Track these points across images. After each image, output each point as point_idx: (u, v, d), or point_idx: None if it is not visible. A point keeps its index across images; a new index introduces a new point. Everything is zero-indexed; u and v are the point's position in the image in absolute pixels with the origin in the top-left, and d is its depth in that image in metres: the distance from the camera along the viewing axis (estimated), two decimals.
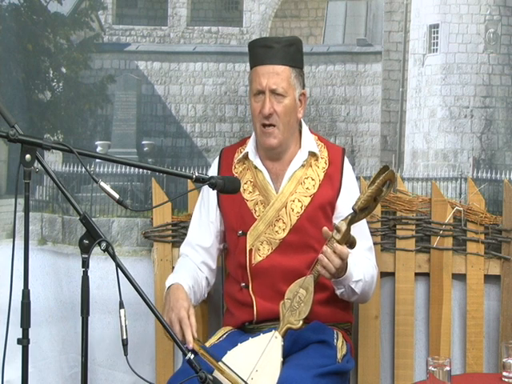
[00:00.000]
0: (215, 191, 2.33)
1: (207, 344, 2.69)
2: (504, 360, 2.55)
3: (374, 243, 2.98)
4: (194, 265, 2.90)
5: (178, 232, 3.32)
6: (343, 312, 2.89)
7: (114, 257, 2.06)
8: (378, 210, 3.22)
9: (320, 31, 3.46)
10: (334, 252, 2.48)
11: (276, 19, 3.46)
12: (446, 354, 3.17)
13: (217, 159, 3.00)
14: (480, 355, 3.26)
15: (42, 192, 3.45)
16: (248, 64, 2.89)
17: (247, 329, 2.83)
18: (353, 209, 2.49)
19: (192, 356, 2.12)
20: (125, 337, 2.04)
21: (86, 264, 2.05)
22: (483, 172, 3.32)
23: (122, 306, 2.04)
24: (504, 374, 2.55)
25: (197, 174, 2.24)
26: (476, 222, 3.25)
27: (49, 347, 3.40)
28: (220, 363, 2.37)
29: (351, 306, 2.99)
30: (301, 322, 2.52)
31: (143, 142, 3.49)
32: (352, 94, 3.41)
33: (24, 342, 2.02)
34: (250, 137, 2.94)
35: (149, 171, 3.28)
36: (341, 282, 2.63)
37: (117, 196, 2.10)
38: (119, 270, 2.06)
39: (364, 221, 2.73)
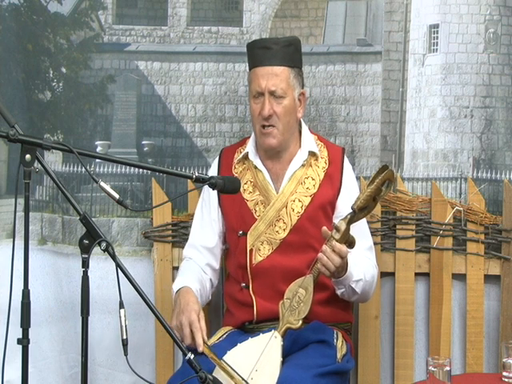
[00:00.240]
0: (216, 191, 2.33)
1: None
2: (504, 360, 2.55)
3: (374, 243, 2.98)
4: (198, 268, 2.90)
5: (178, 232, 3.32)
6: (343, 312, 2.89)
7: (114, 257, 2.06)
8: (377, 210, 3.22)
9: (320, 31, 3.46)
10: (333, 250, 2.48)
11: (276, 19, 3.47)
12: (446, 354, 3.17)
13: (217, 159, 3.00)
14: (480, 355, 3.26)
15: (41, 192, 3.45)
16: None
17: (247, 329, 2.83)
18: (352, 208, 2.49)
19: (192, 356, 2.12)
20: (125, 337, 2.04)
21: (86, 264, 2.05)
22: (483, 172, 3.32)
23: (121, 306, 2.04)
24: (504, 373, 2.55)
25: (197, 174, 2.24)
26: (476, 221, 3.25)
27: (49, 347, 3.40)
28: (228, 367, 2.36)
29: (351, 305, 2.99)
30: (300, 322, 2.52)
31: (143, 142, 3.49)
32: (352, 94, 3.41)
33: (24, 342, 2.02)
34: (249, 137, 2.94)
35: (149, 171, 3.28)
36: (341, 281, 2.64)
37: (117, 196, 2.10)
38: (119, 270, 2.06)
39: (364, 220, 2.73)
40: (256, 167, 2.86)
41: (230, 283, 2.93)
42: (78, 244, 2.08)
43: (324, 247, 2.50)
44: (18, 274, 2.12)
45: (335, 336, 2.74)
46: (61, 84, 3.49)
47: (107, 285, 3.30)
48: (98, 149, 3.46)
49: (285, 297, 2.56)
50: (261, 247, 2.81)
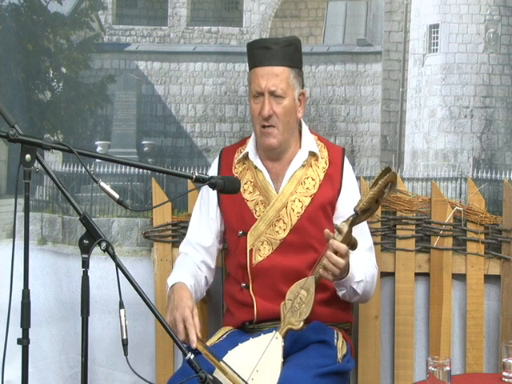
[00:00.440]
0: (215, 191, 2.33)
1: (207, 344, 2.69)
2: (504, 360, 2.55)
3: (374, 243, 2.98)
4: (193, 264, 2.90)
5: (178, 232, 3.32)
6: (343, 312, 2.89)
7: (114, 257, 2.06)
8: (377, 210, 3.21)
9: (320, 31, 3.46)
10: (336, 253, 2.48)
11: (276, 19, 3.46)
12: (446, 354, 3.17)
13: (217, 159, 3.00)
14: (480, 355, 3.26)
15: (41, 192, 3.45)
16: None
17: (247, 329, 2.83)
18: (354, 210, 2.49)
19: (192, 356, 2.12)
20: (125, 337, 2.04)
21: (86, 264, 2.05)
22: (483, 172, 3.32)
23: (121, 306, 2.04)
24: (504, 373, 2.55)
25: (197, 174, 2.24)
26: (476, 221, 3.25)
27: (49, 347, 3.40)
28: (222, 363, 2.37)
29: (351, 306, 2.99)
30: (302, 323, 2.52)
31: (143, 142, 3.49)
32: (352, 94, 3.41)
33: (24, 342, 2.02)
34: (249, 137, 2.94)
35: (149, 171, 3.28)
36: (343, 283, 2.64)
37: (117, 196, 2.10)
38: (119, 270, 2.06)
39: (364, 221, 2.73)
40: (256, 167, 2.86)
41: (230, 283, 2.93)
42: (77, 244, 2.07)
43: (328, 253, 2.49)
44: (18, 274, 2.12)
45: (335, 336, 2.74)
46: (61, 84, 3.49)
47: (107, 285, 3.30)
48: (98, 149, 3.46)
49: (286, 298, 2.56)
50: (261, 247, 2.81)
